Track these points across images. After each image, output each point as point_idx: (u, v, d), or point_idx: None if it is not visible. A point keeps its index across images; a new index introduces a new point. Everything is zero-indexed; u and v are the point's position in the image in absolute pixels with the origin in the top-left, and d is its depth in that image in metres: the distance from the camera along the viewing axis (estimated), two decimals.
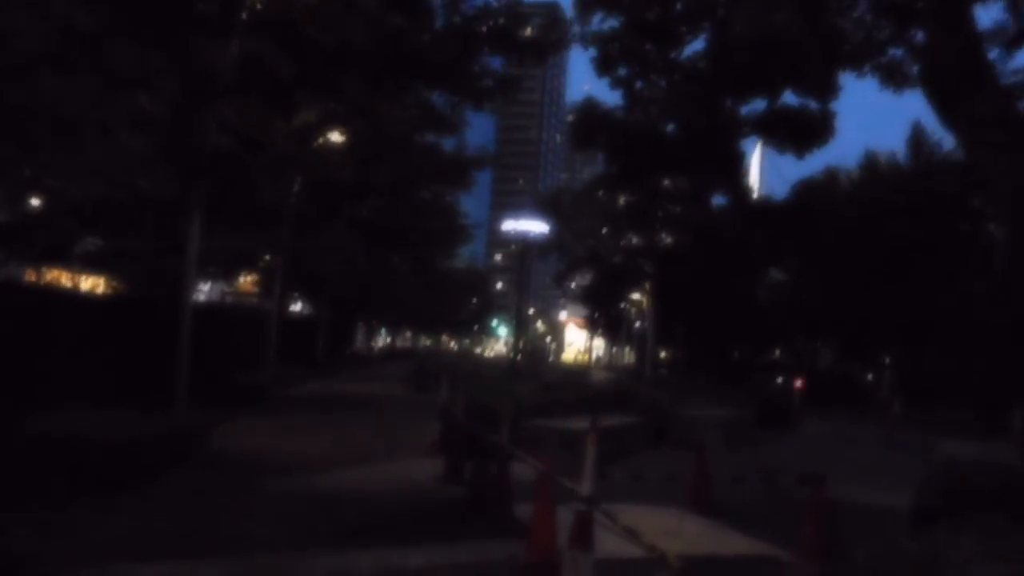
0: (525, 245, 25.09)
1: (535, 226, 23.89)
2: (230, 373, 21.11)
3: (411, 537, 7.29)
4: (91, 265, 22.43)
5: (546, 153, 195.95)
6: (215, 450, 11.96)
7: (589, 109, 25.54)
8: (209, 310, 21.19)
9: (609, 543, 6.24)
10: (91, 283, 27.46)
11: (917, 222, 24.57)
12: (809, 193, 25.78)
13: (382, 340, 75.83)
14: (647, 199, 25.98)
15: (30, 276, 22.40)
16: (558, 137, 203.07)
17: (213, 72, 11.11)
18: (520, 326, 25.82)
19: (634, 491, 8.95)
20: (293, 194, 21.97)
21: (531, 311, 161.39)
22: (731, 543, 7.46)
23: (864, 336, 29.00)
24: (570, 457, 12.36)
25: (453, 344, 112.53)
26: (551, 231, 29.12)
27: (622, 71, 24.92)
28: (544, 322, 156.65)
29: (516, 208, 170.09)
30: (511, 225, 24.10)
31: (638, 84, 25.25)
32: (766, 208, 25.31)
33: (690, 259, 23.76)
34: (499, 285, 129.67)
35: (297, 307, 47.76)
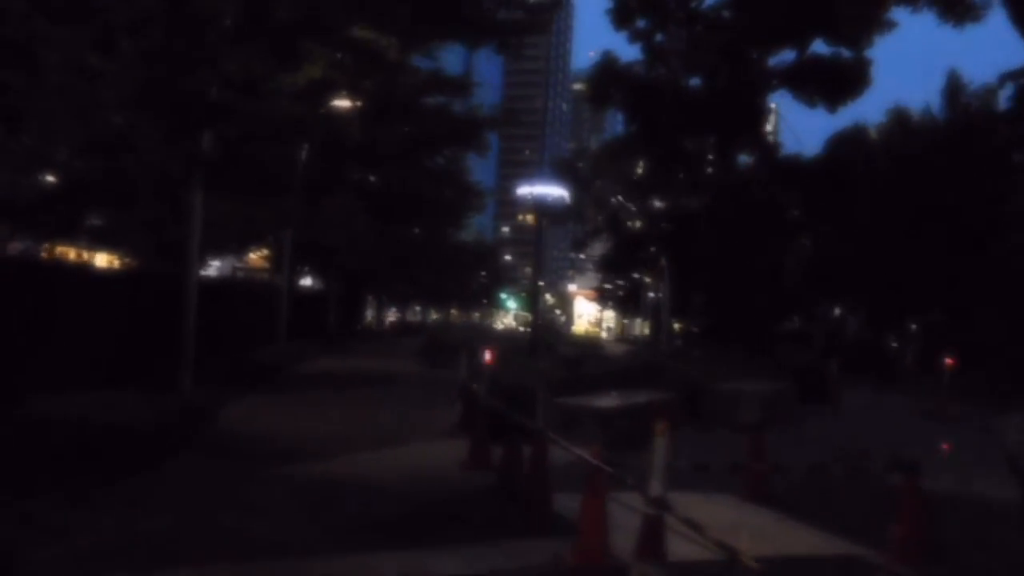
0: (541, 211, 23.83)
1: (552, 191, 22.61)
2: (240, 350, 20.41)
3: (437, 534, 6.48)
4: (99, 240, 21.57)
5: (552, 122, 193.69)
6: (222, 431, 11.20)
7: (607, 65, 24.22)
8: (218, 285, 20.39)
9: (669, 541, 5.38)
10: (106, 260, 26.70)
11: (955, 179, 23.40)
12: (841, 148, 24.36)
13: (392, 315, 75.15)
14: (668, 160, 24.73)
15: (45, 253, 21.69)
16: (564, 106, 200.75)
17: (208, 12, 10.10)
18: (536, 297, 24.64)
19: (679, 476, 8.08)
20: (301, 162, 21.01)
21: (541, 283, 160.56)
22: (804, 539, 6.58)
23: (898, 302, 27.94)
24: (605, 437, 11.55)
25: (468, 317, 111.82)
26: (569, 196, 27.73)
27: (640, 23, 23.67)
28: (553, 294, 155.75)
29: (523, 179, 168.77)
30: (526, 190, 22.75)
31: (657, 37, 23.98)
32: (796, 166, 23.96)
33: (715, 222, 22.60)
34: (507, 257, 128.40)
35: (307, 282, 47.00)
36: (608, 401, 12.19)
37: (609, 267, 43.05)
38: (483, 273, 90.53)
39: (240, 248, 26.63)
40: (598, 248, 50.35)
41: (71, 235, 18.06)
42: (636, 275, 67.59)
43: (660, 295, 63.01)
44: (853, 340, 32.23)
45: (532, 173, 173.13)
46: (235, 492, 7.58)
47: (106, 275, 15.89)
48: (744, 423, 14.08)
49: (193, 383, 13.79)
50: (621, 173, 28.00)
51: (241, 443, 10.37)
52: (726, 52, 22.51)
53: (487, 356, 10.65)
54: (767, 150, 25.51)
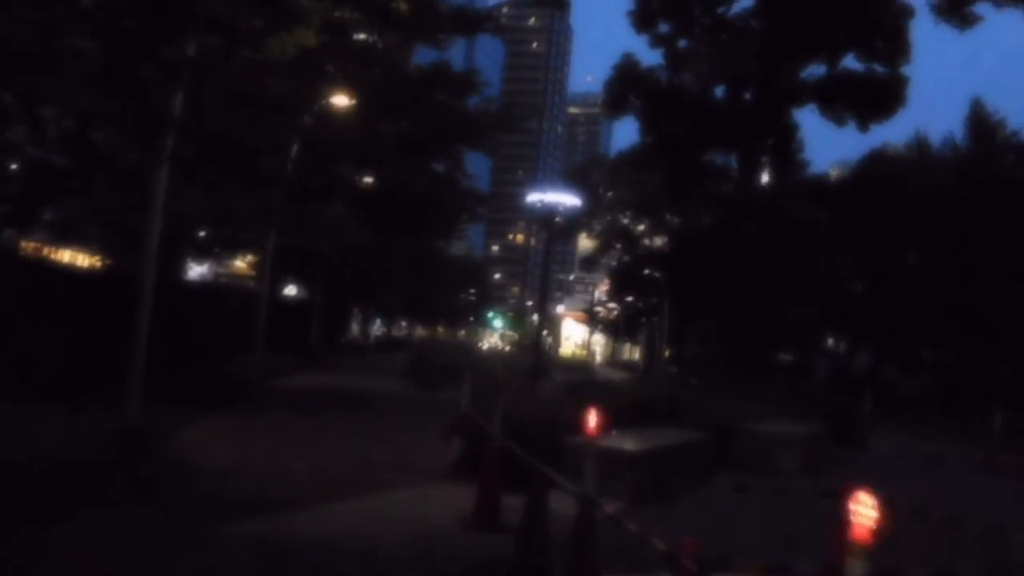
0: (550, 221, 21.95)
1: (565, 198, 20.77)
2: (211, 362, 18.40)
3: None
4: (60, 234, 19.57)
5: (546, 144, 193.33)
6: (169, 464, 9.21)
7: (626, 68, 22.51)
8: (187, 289, 18.43)
9: None
10: (84, 261, 24.64)
11: (981, 210, 21.88)
12: (871, 168, 22.69)
13: (377, 329, 73.05)
14: (685, 174, 23.05)
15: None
16: (559, 128, 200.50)
17: None
18: (543, 311, 22.55)
19: (724, 534, 6.26)
20: (290, 157, 19.13)
21: (528, 303, 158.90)
22: None
23: (913, 337, 26.35)
24: (632, 486, 9.67)
25: (454, 334, 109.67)
26: (582, 205, 25.90)
27: (663, 27, 22.05)
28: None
29: (516, 198, 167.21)
30: (536, 198, 20.86)
31: (680, 43, 22.36)
32: (825, 186, 22.23)
33: (733, 242, 20.86)
34: (497, 276, 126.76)
35: (292, 292, 44.98)
36: (634, 443, 10.32)
37: (621, 283, 40.39)
38: (472, 290, 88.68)
39: (223, 251, 24.60)
40: (602, 267, 48.20)
41: (26, 226, 16.07)
42: (631, 298, 66.06)
43: (655, 319, 61.49)
44: (865, 375, 30.54)
45: (525, 193, 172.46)
46: (167, 561, 5.64)
47: (57, 272, 13.91)
48: (784, 469, 12.30)
49: (147, 400, 11.78)
50: (636, 186, 26.29)
51: (189, 483, 8.40)
52: (753, 63, 20.96)
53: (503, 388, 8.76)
54: (791, 169, 23.89)
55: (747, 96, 22.32)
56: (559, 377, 30.09)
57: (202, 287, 20.55)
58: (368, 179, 21.95)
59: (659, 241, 28.21)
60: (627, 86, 22.68)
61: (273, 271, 30.48)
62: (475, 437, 10.03)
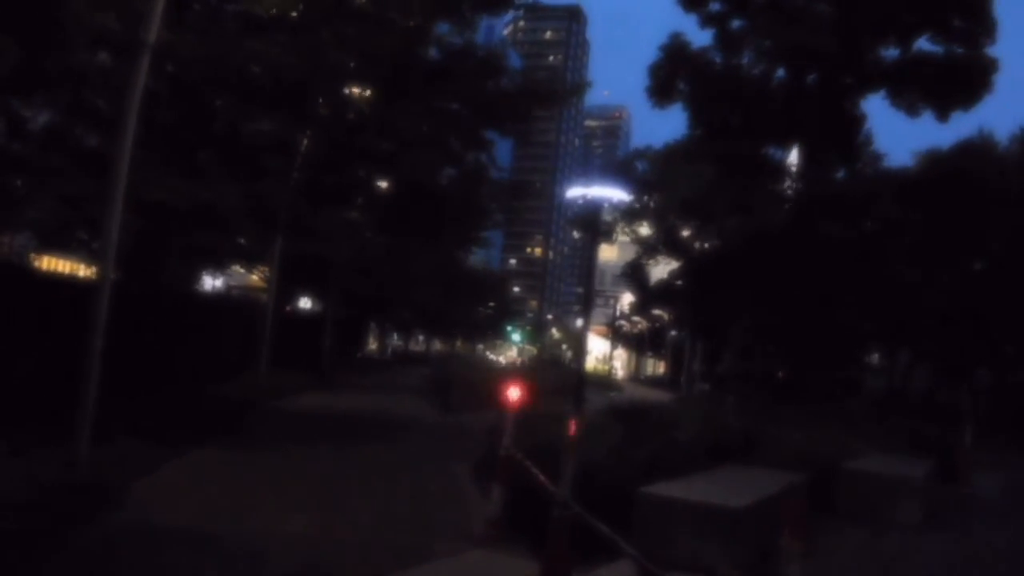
0: (595, 219, 19.34)
1: (612, 193, 18.12)
2: (204, 383, 16.25)
3: None
4: (46, 240, 17.56)
5: (564, 157, 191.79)
6: (122, 527, 6.95)
7: (675, 49, 20.08)
8: (176, 300, 16.32)
9: None
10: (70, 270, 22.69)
11: None
12: (964, 161, 19.93)
13: (395, 343, 70.98)
14: (740, 169, 20.63)
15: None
16: (577, 141, 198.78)
17: None
18: (587, 315, 19.89)
19: None
20: (299, 152, 17.05)
21: (549, 317, 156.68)
22: None
23: (978, 353, 23.73)
24: (735, 547, 7.35)
25: (473, 349, 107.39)
26: (630, 200, 23.11)
27: (714, 5, 19.70)
28: (560, 329, 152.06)
29: (534, 211, 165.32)
30: (578, 193, 18.27)
31: (734, 23, 19.99)
32: (913, 181, 19.53)
33: (809, 245, 18.36)
34: (516, 289, 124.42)
35: (307, 305, 42.95)
36: (729, 494, 7.96)
37: (659, 293, 36.58)
38: (491, 304, 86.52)
39: (224, 259, 22.51)
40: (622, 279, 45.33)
41: None
42: (658, 311, 63.46)
43: (682, 333, 58.84)
44: (924, 396, 27.87)
45: (542, 204, 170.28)
46: None
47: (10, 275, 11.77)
48: (902, 520, 9.88)
49: (115, 432, 9.62)
50: (687, 180, 23.79)
51: (140, 560, 6.14)
52: (817, 38, 18.58)
53: (572, 430, 6.42)
54: (858, 163, 21.35)
55: (810, 80, 19.92)
56: (590, 396, 27.67)
57: (198, 298, 18.43)
58: (384, 180, 19.71)
59: (706, 245, 25.72)
60: (676, 70, 20.30)
61: (283, 282, 28.44)
62: (522, 488, 7.74)
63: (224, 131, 12.15)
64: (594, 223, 18.82)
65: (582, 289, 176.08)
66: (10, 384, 9.70)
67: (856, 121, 21.13)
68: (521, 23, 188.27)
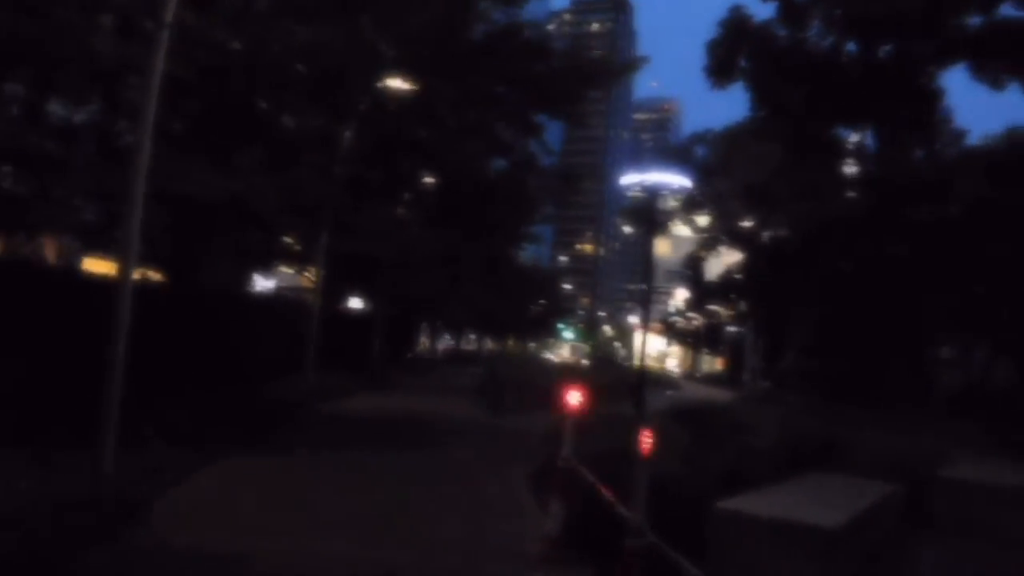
0: (648, 209, 18.06)
1: (671, 179, 16.70)
2: (248, 384, 15.76)
3: None
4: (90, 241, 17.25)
5: (612, 152, 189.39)
6: (143, 549, 6.29)
7: (736, 23, 18.73)
8: (218, 301, 15.88)
9: None
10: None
11: None
12: None
13: (446, 342, 70.56)
14: (809, 151, 19.22)
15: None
16: (625, 134, 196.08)
17: None
18: (646, 313, 18.64)
19: None
20: (341, 145, 16.41)
21: (601, 314, 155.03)
22: None
23: None
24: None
25: (525, 347, 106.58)
26: (691, 187, 21.57)
27: None
28: (613, 326, 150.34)
29: (583, 207, 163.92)
30: (634, 179, 16.90)
31: None
32: (993, 159, 17.75)
33: (894, 232, 16.87)
34: (567, 287, 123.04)
35: (358, 305, 42.73)
36: (819, 508, 6.95)
37: (739, 289, 34.03)
38: (542, 301, 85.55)
39: (269, 257, 22.08)
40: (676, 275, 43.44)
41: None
42: (715, 307, 61.65)
43: (741, 329, 56.95)
44: (1007, 392, 25.90)
45: (593, 199, 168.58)
46: None
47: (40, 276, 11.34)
48: (1017, 536, 8.70)
49: (149, 438, 9.08)
50: (753, 163, 22.33)
51: None
52: (887, 16, 17.15)
53: (644, 443, 5.50)
54: (936, 141, 19.71)
55: (883, 52, 18.42)
56: (647, 395, 26.67)
57: (243, 299, 18.00)
58: (430, 173, 18.93)
59: (770, 234, 24.18)
60: (736, 46, 18.99)
61: (331, 281, 28.05)
62: (583, 501, 6.88)
63: (258, 121, 11.56)
64: (651, 212, 17.63)
65: (634, 285, 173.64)
66: (37, 388, 9.21)
67: (934, 96, 19.52)
68: (567, 15, 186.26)
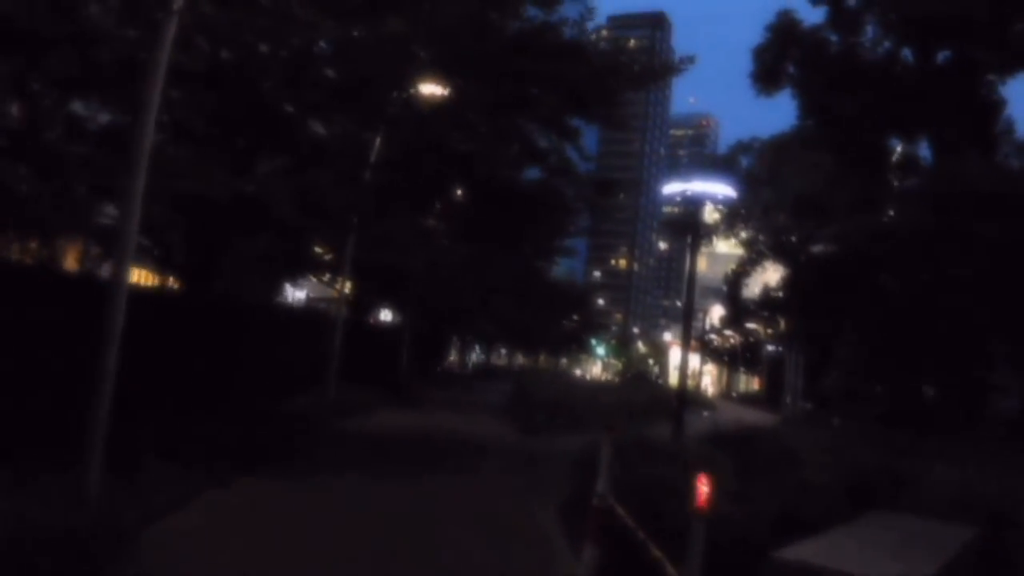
0: (691, 221, 17.04)
1: (715, 188, 15.64)
2: (265, 399, 15.13)
3: None
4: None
5: (649, 167, 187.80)
6: None
7: (784, 28, 17.75)
8: (234, 310, 15.30)
9: None
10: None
11: None
12: None
13: (476, 356, 69.95)
14: (860, 162, 18.13)
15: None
16: (662, 150, 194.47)
17: None
18: (688, 332, 17.44)
19: None
20: (371, 152, 15.80)
21: (635, 331, 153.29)
22: None
23: None
24: None
25: (556, 363, 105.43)
26: (736, 196, 20.40)
27: None
28: (646, 343, 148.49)
29: (617, 222, 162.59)
30: (677, 188, 15.87)
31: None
32: None
33: (961, 247, 15.64)
34: (600, 302, 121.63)
35: (388, 318, 42.25)
36: (904, 564, 5.98)
37: (764, 308, 32.38)
38: (575, 317, 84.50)
39: (293, 268, 21.53)
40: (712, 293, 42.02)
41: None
42: (753, 325, 60.05)
43: (779, 348, 55.29)
44: None
45: (626, 228, 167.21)
46: None
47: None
48: None
49: (137, 458, 8.40)
50: (801, 175, 21.21)
51: None
52: (942, 22, 16.07)
53: (702, 493, 4.61)
54: (994, 151, 18.43)
55: (942, 59, 17.33)
56: (707, 423, 25.60)
57: (265, 310, 17.42)
58: (461, 182, 18.20)
59: (819, 248, 22.94)
60: (784, 51, 18.01)
61: (360, 293, 27.53)
62: (620, 548, 5.99)
63: (281, 123, 10.95)
64: (693, 223, 16.70)
65: (669, 301, 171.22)
66: (32, 403, 8.60)
67: (996, 106, 18.31)
68: (604, 31, 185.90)
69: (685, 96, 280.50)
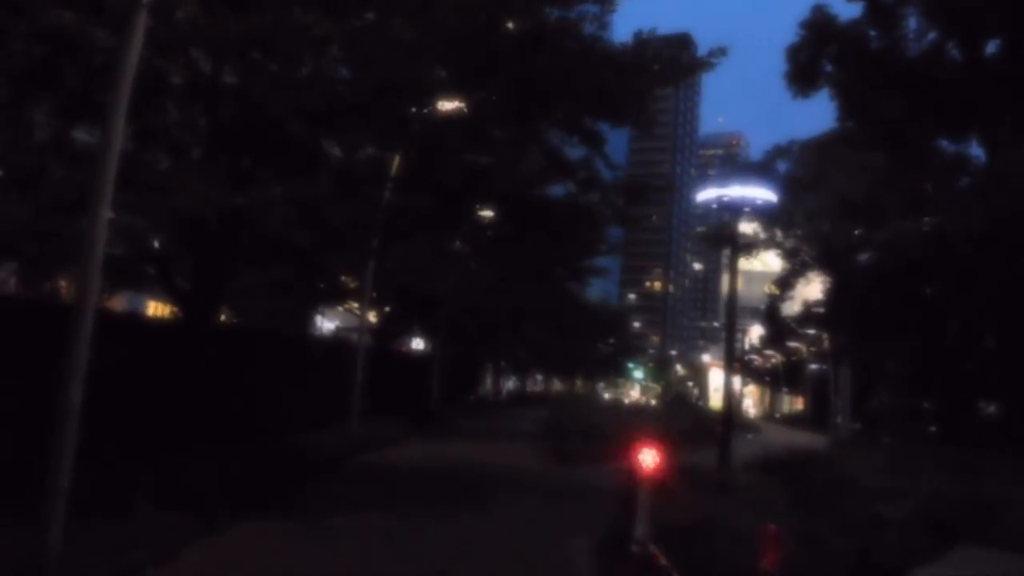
0: (732, 228, 15.80)
1: (755, 192, 14.35)
2: (287, 435, 14.33)
3: None
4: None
5: (680, 189, 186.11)
6: None
7: (820, 23, 16.58)
8: (246, 337, 14.59)
9: None
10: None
11: None
12: None
13: (512, 384, 68.77)
14: (913, 163, 16.84)
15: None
16: (692, 171, 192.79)
17: None
18: (731, 348, 16.08)
19: None
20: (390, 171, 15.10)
21: (672, 352, 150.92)
22: None
23: None
24: None
25: (593, 388, 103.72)
26: (777, 201, 18.83)
27: None
28: (684, 365, 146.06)
29: (651, 244, 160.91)
30: (712, 195, 14.60)
31: None
32: None
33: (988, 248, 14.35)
34: (636, 324, 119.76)
35: (419, 345, 41.52)
36: None
37: (809, 323, 29.91)
38: (611, 340, 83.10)
39: (312, 294, 20.82)
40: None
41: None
42: (793, 343, 58.10)
43: (823, 366, 53.30)
44: None
45: (659, 249, 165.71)
46: None
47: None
48: None
49: (125, 501, 7.60)
50: (850, 178, 19.86)
51: None
52: (991, 12, 14.89)
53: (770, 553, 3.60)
54: None
55: (989, 51, 16.08)
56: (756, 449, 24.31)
57: (278, 339, 16.68)
58: (486, 203, 17.34)
59: (865, 256, 21.51)
60: (820, 49, 16.85)
61: (389, 320, 26.81)
62: None
63: (282, 141, 10.22)
64: (732, 232, 15.58)
65: (706, 323, 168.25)
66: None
67: None
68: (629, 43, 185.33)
69: (714, 117, 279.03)
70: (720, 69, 13.28)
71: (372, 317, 24.20)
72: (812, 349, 50.77)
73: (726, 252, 25.18)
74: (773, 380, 76.50)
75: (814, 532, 6.62)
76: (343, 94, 11.71)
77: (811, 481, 10.71)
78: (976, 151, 17.91)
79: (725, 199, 13.97)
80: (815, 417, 52.10)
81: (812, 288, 37.47)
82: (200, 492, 8.84)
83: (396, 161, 15.65)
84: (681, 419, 31.98)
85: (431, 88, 12.65)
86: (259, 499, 9.47)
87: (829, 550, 6.30)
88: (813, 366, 54.31)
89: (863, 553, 6.17)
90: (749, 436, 33.87)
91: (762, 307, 64.43)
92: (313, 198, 9.09)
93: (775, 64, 18.57)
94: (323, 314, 33.87)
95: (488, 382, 53.62)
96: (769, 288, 39.07)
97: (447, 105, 13.44)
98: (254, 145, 10.64)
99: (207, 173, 9.14)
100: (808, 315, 35.42)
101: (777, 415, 75.27)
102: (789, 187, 22.51)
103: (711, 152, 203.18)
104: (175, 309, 14.60)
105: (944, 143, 18.12)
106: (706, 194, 14.68)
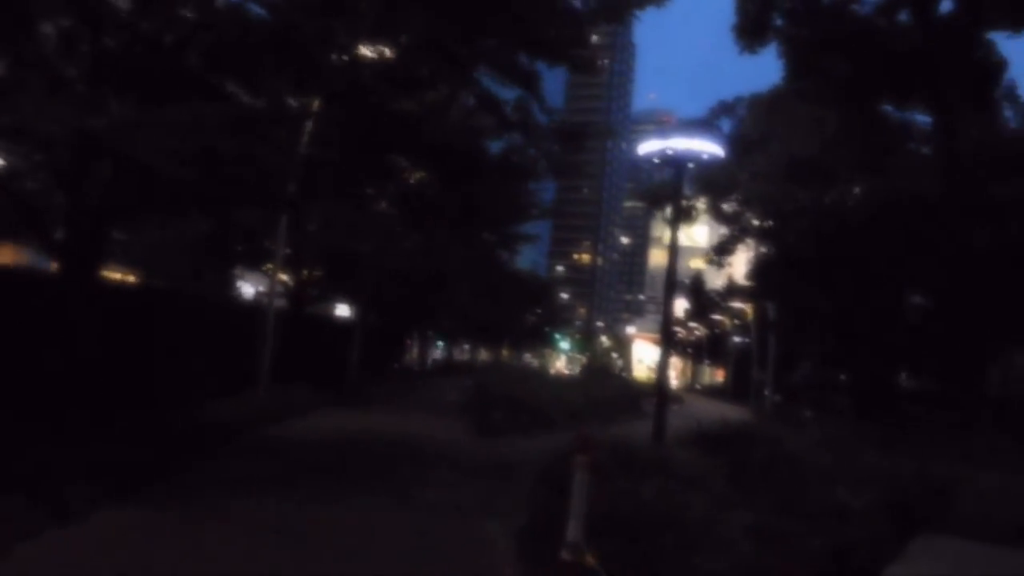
0: (673, 186, 14.79)
1: (701, 146, 13.22)
2: (187, 404, 12.92)
3: None
4: None
5: (611, 161, 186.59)
6: None
7: None
8: (139, 299, 13.03)
9: None
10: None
11: None
12: None
13: (438, 353, 67.61)
14: (861, 124, 16.34)
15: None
16: (623, 146, 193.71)
17: None
18: (668, 312, 15.27)
19: None
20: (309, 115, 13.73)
21: (598, 324, 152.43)
22: None
23: None
24: None
25: (520, 358, 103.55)
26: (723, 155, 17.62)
27: None
28: (610, 337, 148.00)
29: (580, 216, 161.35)
30: (655, 146, 13.47)
31: None
32: None
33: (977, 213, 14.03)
34: (564, 296, 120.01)
35: (345, 313, 39.85)
36: None
37: (767, 287, 28.82)
38: (538, 311, 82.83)
39: (227, 253, 19.20)
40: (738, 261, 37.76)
41: None
42: (718, 316, 58.81)
43: (747, 340, 54.07)
44: None
45: (588, 222, 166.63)
46: None
47: None
48: None
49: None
50: (801, 136, 19.17)
51: None
52: None
53: None
54: (995, 118, 16.89)
55: (940, 14, 15.63)
56: (647, 409, 24.00)
57: (179, 300, 15.07)
58: (408, 150, 15.96)
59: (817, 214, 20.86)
60: (771, 1, 16.10)
61: (305, 283, 25.21)
62: None
63: (163, 66, 8.78)
64: (676, 188, 14.71)
65: (632, 296, 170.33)
66: None
67: (996, 68, 16.62)
68: None
69: (646, 93, 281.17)
70: (654, 44, 12.33)
71: (290, 280, 22.69)
72: (736, 322, 51.37)
73: (663, 215, 24.48)
74: (696, 352, 77.74)
75: (778, 527, 5.79)
76: (247, 32, 10.36)
77: (752, 459, 10.04)
78: (922, 118, 17.66)
79: (669, 152, 13.07)
80: (736, 389, 52.96)
81: (737, 263, 37.36)
82: (58, 472, 7.50)
83: (315, 107, 14.21)
84: (605, 389, 31.61)
85: (353, 30, 11.32)
86: (133, 479, 8.16)
87: (800, 548, 5.47)
88: (736, 339, 55.09)
89: (839, 555, 5.37)
90: (674, 407, 33.83)
91: (687, 281, 65.03)
92: (194, 128, 7.65)
93: (710, 39, 17.71)
94: (243, 277, 31.92)
95: (414, 351, 52.36)
96: (697, 262, 38.89)
97: (369, 50, 12.12)
98: (143, 80, 9.16)
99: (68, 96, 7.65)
100: (732, 288, 35.42)
101: (698, 386, 76.65)
102: (734, 146, 21.82)
103: (643, 127, 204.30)
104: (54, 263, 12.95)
105: (890, 109, 17.77)
106: (649, 146, 13.74)
